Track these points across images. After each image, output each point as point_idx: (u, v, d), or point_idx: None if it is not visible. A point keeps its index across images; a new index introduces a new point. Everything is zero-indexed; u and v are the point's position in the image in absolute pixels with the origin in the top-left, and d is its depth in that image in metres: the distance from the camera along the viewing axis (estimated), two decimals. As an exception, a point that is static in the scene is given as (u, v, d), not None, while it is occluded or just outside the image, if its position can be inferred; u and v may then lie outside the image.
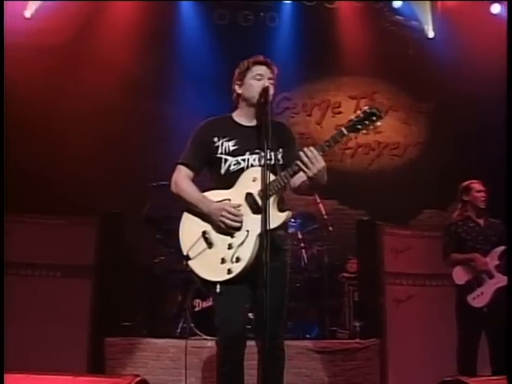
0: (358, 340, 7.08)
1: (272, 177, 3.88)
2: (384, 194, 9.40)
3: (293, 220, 7.78)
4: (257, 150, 4.05)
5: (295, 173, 3.86)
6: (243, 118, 4.22)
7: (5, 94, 5.76)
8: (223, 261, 3.87)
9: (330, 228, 7.56)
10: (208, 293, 4.02)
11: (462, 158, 9.24)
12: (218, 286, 3.89)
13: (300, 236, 7.69)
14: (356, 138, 9.87)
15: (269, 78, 4.19)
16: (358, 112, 3.86)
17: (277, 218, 3.85)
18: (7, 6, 8.59)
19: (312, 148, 3.78)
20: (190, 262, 3.97)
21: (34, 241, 7.15)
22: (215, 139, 4.10)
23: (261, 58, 4.29)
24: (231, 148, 4.08)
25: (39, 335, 6.90)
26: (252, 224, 3.84)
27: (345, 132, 3.82)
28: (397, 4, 9.71)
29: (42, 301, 7.04)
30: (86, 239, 7.25)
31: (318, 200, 7.82)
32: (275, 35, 9.73)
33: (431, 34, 9.61)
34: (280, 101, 9.93)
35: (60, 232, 7.25)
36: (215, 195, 4.03)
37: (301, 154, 3.78)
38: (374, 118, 3.83)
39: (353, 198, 9.58)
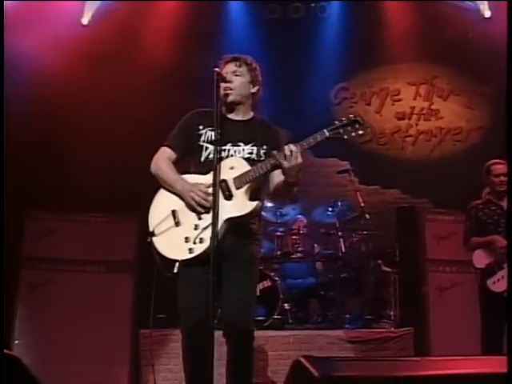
0: (392, 329, 6.93)
1: (248, 167, 3.93)
2: (447, 180, 9.09)
3: (330, 209, 7.74)
4: (239, 143, 4.07)
5: (272, 166, 3.87)
6: (230, 112, 4.19)
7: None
8: (187, 240, 3.86)
9: (367, 216, 7.42)
10: (167, 273, 3.86)
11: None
12: (177, 265, 3.85)
13: (337, 225, 7.61)
14: (417, 124, 9.69)
15: (233, 72, 4.15)
16: (343, 118, 3.89)
17: (245, 206, 3.88)
18: (63, 12, 9.08)
19: (292, 145, 3.79)
20: (154, 239, 3.96)
21: (79, 238, 7.46)
22: (200, 127, 4.13)
23: (227, 56, 4.23)
24: (214, 137, 4.00)
25: (84, 328, 7.17)
26: (221, 209, 3.80)
27: (326, 134, 3.83)
28: (449, -16, 9.40)
29: (87, 295, 7.31)
30: (127, 235, 7.48)
31: (356, 187, 7.72)
32: (327, 25, 9.65)
33: (487, 14, 9.21)
34: (338, 91, 9.87)
35: (103, 229, 7.52)
36: (192, 179, 4.04)
37: (285, 147, 3.80)
38: (357, 126, 3.87)
39: (415, 187, 9.32)
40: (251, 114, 4.23)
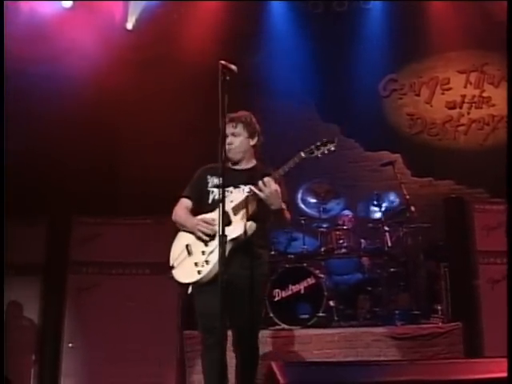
0: (439, 324, 6.72)
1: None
2: (502, 169, 8.77)
3: (375, 203, 7.59)
4: (239, 185, 4.57)
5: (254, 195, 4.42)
6: (234, 165, 4.72)
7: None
8: (196, 264, 4.47)
9: (413, 209, 7.23)
10: (185, 295, 4.67)
11: None
12: (190, 288, 4.54)
13: (383, 219, 7.44)
14: (469, 113, 9.45)
15: (232, 133, 4.64)
16: (318, 142, 4.39)
17: (239, 227, 4.42)
18: (108, 19, 9.17)
19: (267, 177, 4.35)
20: (173, 272, 4.60)
21: (124, 241, 7.48)
22: (208, 177, 4.75)
23: (230, 115, 4.54)
24: (218, 182, 4.53)
25: (131, 330, 7.19)
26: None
27: (303, 155, 4.36)
28: (494, -32, 9.05)
29: (133, 297, 7.33)
30: (171, 237, 7.44)
31: (400, 180, 7.55)
32: (372, 17, 9.51)
33: (538, -6, 8.84)
34: (386, 83, 9.71)
35: (147, 231, 7.52)
36: (201, 218, 4.61)
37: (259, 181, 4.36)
38: (329, 145, 4.37)
39: (470, 177, 9.11)
40: (254, 163, 4.79)
